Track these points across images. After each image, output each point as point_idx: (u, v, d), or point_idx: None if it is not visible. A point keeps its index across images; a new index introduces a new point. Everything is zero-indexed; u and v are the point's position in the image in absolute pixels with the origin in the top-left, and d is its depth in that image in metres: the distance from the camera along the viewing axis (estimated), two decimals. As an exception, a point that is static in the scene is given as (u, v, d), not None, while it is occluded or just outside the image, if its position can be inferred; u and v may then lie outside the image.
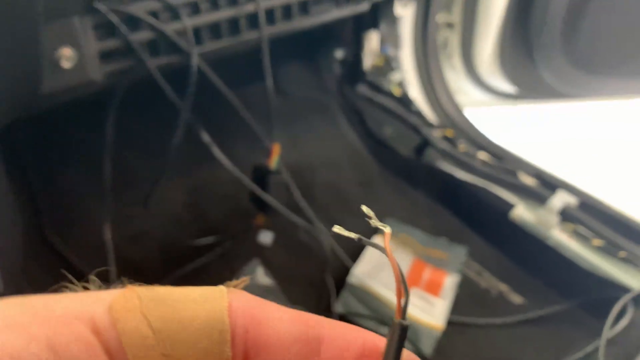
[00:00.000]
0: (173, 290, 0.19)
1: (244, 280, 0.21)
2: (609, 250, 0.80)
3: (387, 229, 0.21)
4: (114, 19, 0.66)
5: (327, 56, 1.13)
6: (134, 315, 0.17)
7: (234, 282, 0.21)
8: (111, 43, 0.67)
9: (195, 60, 0.72)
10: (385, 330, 0.80)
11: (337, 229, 0.21)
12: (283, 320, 0.19)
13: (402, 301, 0.20)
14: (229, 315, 0.19)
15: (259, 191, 0.85)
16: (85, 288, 0.19)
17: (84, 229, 0.85)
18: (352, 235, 0.21)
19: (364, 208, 0.21)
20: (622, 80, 1.03)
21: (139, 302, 0.18)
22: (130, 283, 0.19)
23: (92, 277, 0.19)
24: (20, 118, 0.62)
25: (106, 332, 0.17)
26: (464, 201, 0.98)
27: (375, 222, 0.21)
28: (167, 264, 0.88)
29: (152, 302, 0.18)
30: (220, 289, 0.20)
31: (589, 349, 0.73)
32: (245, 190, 0.90)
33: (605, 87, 1.03)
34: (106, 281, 0.20)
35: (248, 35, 0.79)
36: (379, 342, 0.20)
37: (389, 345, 0.20)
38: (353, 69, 1.11)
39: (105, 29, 0.66)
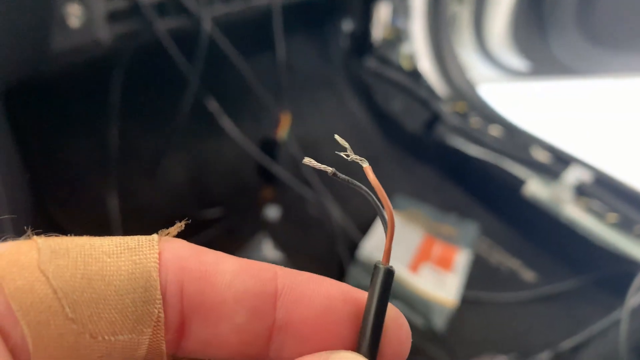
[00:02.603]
0: (85, 240, 0.16)
1: (178, 226, 0.17)
2: (624, 225, 0.79)
3: (365, 163, 0.18)
4: (123, -23, 0.63)
5: (335, 28, 1.10)
6: (28, 272, 0.14)
7: (170, 228, 0.17)
8: (119, 3, 0.64)
9: (205, 24, 0.69)
10: (396, 303, 0.79)
11: (307, 160, 0.18)
12: (228, 273, 0.16)
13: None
14: (159, 269, 0.16)
15: (267, 163, 0.83)
16: None
17: (87, 202, 0.83)
18: (326, 168, 0.18)
19: (337, 138, 0.18)
20: (636, 57, 1.01)
21: (36, 256, 0.14)
22: (36, 234, 0.15)
23: None
24: (26, 78, 0.59)
25: None
26: (475, 177, 0.96)
27: (352, 156, 0.18)
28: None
29: (54, 255, 0.14)
30: (150, 238, 0.16)
31: (606, 323, 0.72)
32: (251, 164, 0.88)
33: (619, 63, 1.01)
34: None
35: (258, 0, 0.76)
36: (353, 292, 0.17)
37: (371, 295, 0.17)
38: (361, 41, 1.08)
39: (114, -13, 0.63)
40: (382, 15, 1.02)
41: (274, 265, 0.17)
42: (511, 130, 0.93)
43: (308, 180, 0.90)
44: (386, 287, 0.17)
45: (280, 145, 0.85)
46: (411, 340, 0.18)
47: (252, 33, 0.88)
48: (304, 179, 0.90)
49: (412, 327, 0.67)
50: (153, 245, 0.16)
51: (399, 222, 0.90)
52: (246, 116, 0.92)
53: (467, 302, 0.81)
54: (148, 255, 0.16)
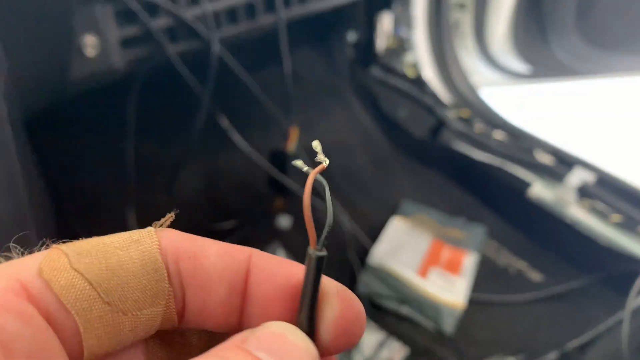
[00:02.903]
0: (99, 240, 0.19)
1: (169, 217, 0.21)
2: (628, 225, 0.81)
3: (326, 163, 0.21)
4: (134, 5, 0.66)
5: (340, 39, 1.13)
6: (66, 273, 0.17)
7: (160, 221, 0.21)
8: (132, 30, 0.67)
9: (215, 46, 0.73)
10: (406, 309, 0.81)
11: (298, 163, 0.22)
12: (212, 253, 0.20)
13: (316, 231, 0.20)
14: (161, 253, 0.19)
15: (278, 175, 0.86)
16: (8, 258, 0.19)
17: (106, 216, 0.86)
18: (305, 167, 0.21)
19: (315, 143, 0.21)
20: (636, 57, 1.03)
21: (66, 259, 0.18)
22: (53, 242, 0.19)
23: (12, 244, 0.19)
24: (46, 106, 0.63)
25: (41, 295, 0.17)
26: (481, 181, 0.99)
27: (320, 156, 0.21)
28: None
29: (79, 256, 0.18)
30: (149, 230, 0.20)
31: (611, 323, 0.74)
32: (262, 175, 0.91)
33: (619, 63, 1.02)
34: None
35: (264, 19, 0.79)
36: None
37: (306, 279, 0.19)
38: (366, 51, 1.11)
39: (126, 16, 0.66)
40: (385, 25, 1.05)
41: (250, 248, 0.21)
42: (515, 134, 0.95)
43: (317, 190, 0.93)
44: (317, 272, 0.19)
45: (290, 158, 0.88)
46: (363, 311, 0.20)
47: (259, 50, 0.91)
48: (313, 189, 0.92)
49: (422, 330, 0.69)
50: (152, 236, 0.20)
51: (408, 227, 0.93)
52: (256, 130, 0.95)
53: (475, 304, 0.83)
54: (151, 244, 0.19)
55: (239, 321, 0.21)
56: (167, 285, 0.19)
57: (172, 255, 0.20)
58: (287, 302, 0.20)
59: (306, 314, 0.19)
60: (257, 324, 0.20)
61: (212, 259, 0.20)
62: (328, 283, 0.20)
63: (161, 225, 0.21)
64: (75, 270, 0.18)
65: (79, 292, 0.17)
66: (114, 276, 0.18)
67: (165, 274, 0.19)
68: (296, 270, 0.20)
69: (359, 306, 0.20)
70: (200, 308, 0.20)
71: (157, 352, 0.21)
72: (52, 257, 0.18)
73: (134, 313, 0.19)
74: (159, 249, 0.19)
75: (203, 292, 0.20)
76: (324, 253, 0.19)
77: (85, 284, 0.18)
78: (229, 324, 0.21)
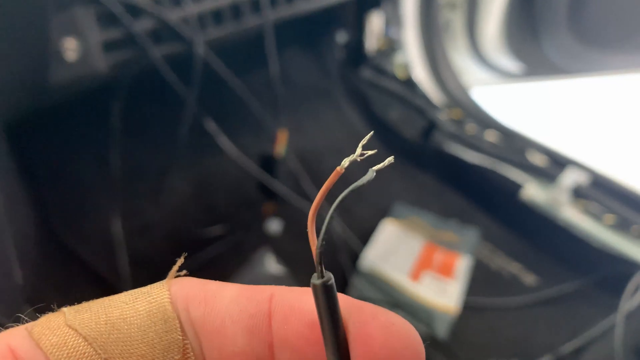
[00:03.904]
0: (105, 297, 0.18)
1: (180, 261, 0.20)
2: (621, 226, 0.80)
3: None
4: (116, 8, 0.64)
5: (329, 40, 1.11)
6: (58, 330, 0.16)
7: (172, 270, 0.19)
8: (114, 33, 0.66)
9: (199, 48, 0.71)
10: (398, 312, 0.80)
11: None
12: (226, 298, 0.18)
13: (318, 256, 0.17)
14: (172, 302, 0.18)
15: (267, 180, 0.85)
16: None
17: (92, 222, 0.85)
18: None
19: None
20: (628, 55, 1.02)
21: (63, 318, 0.17)
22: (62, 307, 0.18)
23: (21, 315, 0.18)
24: (28, 112, 0.61)
25: (29, 356, 0.16)
26: (473, 183, 0.97)
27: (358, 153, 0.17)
28: (176, 255, 0.87)
29: (77, 313, 0.17)
30: (161, 282, 0.19)
31: (605, 325, 0.73)
32: (252, 179, 0.90)
33: (611, 62, 1.01)
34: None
35: (250, 21, 0.78)
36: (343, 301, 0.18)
37: (319, 313, 0.17)
38: (356, 52, 1.09)
39: (108, 18, 0.65)
40: (374, 26, 1.04)
41: (271, 286, 0.18)
42: (507, 134, 0.94)
43: (307, 194, 0.92)
44: (330, 300, 0.16)
45: (279, 161, 0.86)
46: (418, 344, 0.17)
47: (246, 52, 0.89)
48: (303, 193, 0.91)
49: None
50: (163, 285, 0.18)
51: (400, 230, 0.92)
52: (244, 134, 0.93)
53: (469, 308, 0.82)
54: (160, 293, 0.18)
55: None
56: (179, 337, 0.17)
57: (182, 302, 0.18)
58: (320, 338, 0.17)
59: (332, 353, 0.16)
60: None
61: (226, 301, 0.18)
62: (358, 309, 0.17)
63: (175, 276, 0.19)
64: (69, 326, 0.16)
65: (71, 350, 0.16)
66: (113, 330, 0.17)
67: (177, 324, 0.17)
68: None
69: (405, 332, 0.17)
70: (218, 358, 0.18)
71: None
72: (49, 317, 0.17)
73: None
74: (169, 297, 0.18)
75: (218, 341, 0.18)
76: (327, 278, 0.16)
77: (80, 341, 0.16)
78: None
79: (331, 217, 0.17)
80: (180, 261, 0.20)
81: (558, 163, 0.88)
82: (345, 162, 0.16)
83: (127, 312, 0.17)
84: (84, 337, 0.16)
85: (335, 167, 0.17)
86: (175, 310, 0.18)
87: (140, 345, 0.17)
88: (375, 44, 1.06)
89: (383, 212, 0.96)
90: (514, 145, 0.93)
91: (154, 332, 0.17)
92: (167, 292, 0.18)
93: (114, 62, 0.66)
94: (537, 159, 0.90)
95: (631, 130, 0.95)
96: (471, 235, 0.92)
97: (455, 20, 1.07)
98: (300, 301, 0.18)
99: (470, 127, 0.98)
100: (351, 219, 0.95)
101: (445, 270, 0.85)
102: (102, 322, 0.17)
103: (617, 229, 0.80)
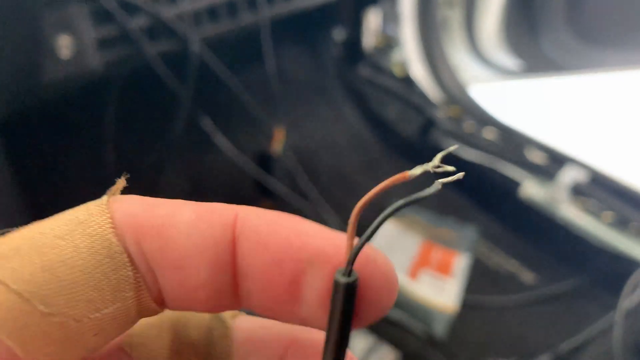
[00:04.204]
0: (35, 229, 0.15)
1: (122, 181, 0.16)
2: (620, 224, 0.79)
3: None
4: (111, 5, 0.64)
5: (326, 37, 1.11)
6: None
7: (111, 189, 0.16)
8: (109, 30, 0.65)
9: (194, 45, 0.71)
10: (396, 313, 0.79)
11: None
12: (184, 224, 0.15)
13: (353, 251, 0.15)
14: (116, 233, 0.15)
15: (264, 178, 0.84)
16: None
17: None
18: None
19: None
20: (627, 52, 1.02)
21: None
22: None
23: None
24: (21, 109, 0.60)
25: None
26: (472, 180, 0.96)
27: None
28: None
29: (5, 260, 0.14)
30: (99, 202, 0.15)
31: (604, 323, 0.73)
32: (248, 177, 0.89)
33: (609, 59, 1.01)
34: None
35: (247, 17, 0.77)
36: (314, 240, 0.16)
37: (333, 309, 0.15)
38: (353, 49, 1.09)
39: (103, 15, 0.64)
40: (372, 23, 1.03)
41: (234, 206, 0.16)
42: (505, 132, 0.94)
43: (304, 192, 0.91)
44: (348, 303, 0.15)
45: (276, 159, 0.86)
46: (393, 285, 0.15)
47: (242, 49, 0.89)
48: (300, 191, 0.91)
49: (413, 334, 0.68)
50: (104, 211, 0.15)
51: (397, 228, 0.91)
52: (241, 132, 0.93)
53: (467, 306, 0.82)
54: (101, 224, 0.15)
55: (233, 301, 0.16)
56: (130, 273, 0.15)
57: (131, 233, 0.15)
58: (290, 270, 0.15)
59: (331, 353, 0.15)
60: (259, 300, 0.16)
61: (184, 230, 0.15)
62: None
63: (114, 193, 0.16)
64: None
65: (6, 310, 0.13)
66: (53, 277, 0.14)
67: (126, 259, 0.15)
68: (298, 227, 0.16)
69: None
70: (178, 293, 0.15)
71: (142, 349, 0.17)
72: None
73: (91, 316, 0.14)
74: (113, 228, 0.15)
75: (177, 275, 0.15)
76: (354, 279, 0.15)
77: (14, 297, 0.13)
78: (222, 305, 0.16)
79: (384, 218, 0.15)
80: (122, 181, 0.16)
81: (557, 160, 0.87)
82: (417, 170, 0.15)
83: (66, 253, 0.14)
84: (18, 294, 0.13)
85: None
86: (122, 243, 0.15)
87: (87, 290, 0.14)
88: (372, 41, 1.05)
89: (380, 210, 0.95)
90: (513, 143, 0.92)
91: (101, 272, 0.14)
92: (109, 220, 0.15)
93: (109, 59, 0.66)
94: (536, 157, 0.89)
95: (630, 128, 0.94)
96: (469, 233, 0.91)
97: (453, 17, 1.07)
98: (269, 231, 0.15)
99: (469, 125, 0.97)
100: (347, 216, 0.94)
101: (444, 268, 0.85)
102: (37, 270, 0.14)
103: (616, 227, 0.80)
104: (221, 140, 0.81)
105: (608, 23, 1.01)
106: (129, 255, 0.15)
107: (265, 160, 0.87)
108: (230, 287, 0.16)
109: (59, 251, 0.14)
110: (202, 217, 0.15)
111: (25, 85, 0.57)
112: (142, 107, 0.86)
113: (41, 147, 0.79)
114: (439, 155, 0.15)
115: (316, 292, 0.15)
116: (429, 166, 0.15)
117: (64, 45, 0.60)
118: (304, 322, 0.16)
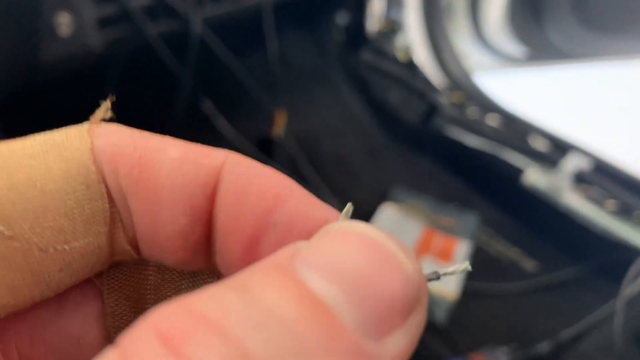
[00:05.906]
0: (3, 147, 0.13)
1: (107, 104, 0.15)
2: (623, 212, 0.79)
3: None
4: (111, -17, 0.63)
5: (329, 21, 1.09)
6: None
7: (96, 114, 0.15)
8: (109, 9, 0.64)
9: (196, 26, 0.69)
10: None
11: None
12: (167, 162, 0.14)
13: None
14: (95, 160, 0.14)
15: (264, 162, 0.84)
16: None
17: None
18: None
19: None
20: (632, 40, 1.01)
21: None
22: None
23: None
24: (19, 88, 0.59)
25: None
26: (474, 167, 0.96)
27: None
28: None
29: None
30: (79, 126, 0.14)
31: (605, 312, 0.72)
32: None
33: (614, 47, 1.00)
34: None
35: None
36: (302, 202, 0.15)
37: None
38: (356, 34, 1.08)
39: (103, -7, 0.63)
40: (376, 7, 1.02)
41: (225, 151, 0.15)
42: (509, 119, 0.93)
43: (305, 177, 0.90)
44: None
45: (277, 143, 0.85)
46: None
47: (244, 32, 0.87)
48: (301, 176, 0.90)
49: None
50: (83, 135, 0.14)
51: (398, 215, 0.91)
52: (241, 115, 0.92)
53: (468, 293, 0.81)
54: (80, 148, 0.14)
55: (207, 259, 0.15)
56: (106, 205, 0.14)
57: (110, 162, 0.14)
58: (255, 227, 0.14)
59: None
60: (234, 259, 0.14)
61: (167, 168, 0.14)
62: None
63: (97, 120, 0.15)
64: None
65: None
66: (20, 198, 0.12)
67: (103, 190, 0.14)
68: (279, 185, 0.14)
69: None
70: (153, 239, 0.14)
71: (113, 293, 0.16)
72: None
73: (58, 247, 0.13)
74: (92, 154, 0.14)
75: (154, 216, 0.14)
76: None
77: None
78: (195, 261, 0.15)
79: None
80: (107, 104, 0.15)
81: (560, 148, 0.86)
82: (437, 273, 0.14)
83: (37, 174, 0.13)
84: None
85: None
86: (100, 172, 0.14)
87: (56, 217, 0.13)
88: (376, 26, 1.04)
89: (382, 196, 0.95)
90: (516, 130, 0.92)
91: (74, 200, 0.13)
92: (89, 145, 0.14)
93: (109, 38, 0.65)
94: (539, 144, 0.88)
95: (634, 116, 0.93)
96: (471, 220, 0.91)
97: (458, 2, 1.05)
98: (254, 182, 0.14)
99: (472, 111, 0.96)
100: (348, 201, 0.93)
101: (444, 255, 0.84)
102: (3, 189, 0.12)
103: (619, 215, 0.79)
104: (222, 123, 0.81)
105: (614, 11, 0.99)
106: (107, 186, 0.14)
107: (266, 144, 0.86)
108: (205, 242, 0.15)
109: (28, 171, 0.13)
110: (188, 158, 0.14)
111: (23, 64, 0.56)
112: (142, 89, 0.85)
113: (39, 126, 0.79)
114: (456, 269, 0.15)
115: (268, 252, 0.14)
116: (448, 270, 0.15)
117: (64, 23, 0.59)
118: None
